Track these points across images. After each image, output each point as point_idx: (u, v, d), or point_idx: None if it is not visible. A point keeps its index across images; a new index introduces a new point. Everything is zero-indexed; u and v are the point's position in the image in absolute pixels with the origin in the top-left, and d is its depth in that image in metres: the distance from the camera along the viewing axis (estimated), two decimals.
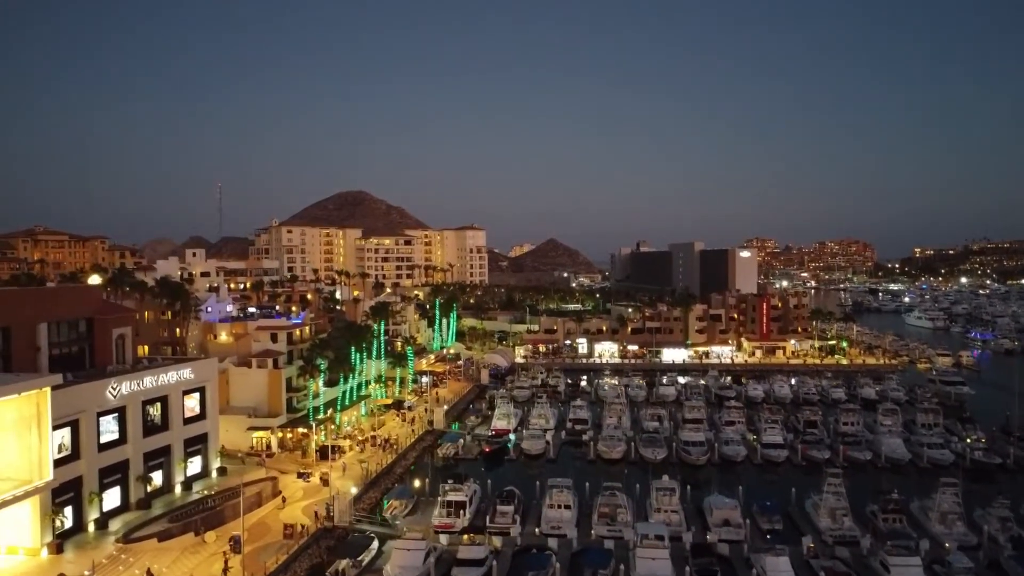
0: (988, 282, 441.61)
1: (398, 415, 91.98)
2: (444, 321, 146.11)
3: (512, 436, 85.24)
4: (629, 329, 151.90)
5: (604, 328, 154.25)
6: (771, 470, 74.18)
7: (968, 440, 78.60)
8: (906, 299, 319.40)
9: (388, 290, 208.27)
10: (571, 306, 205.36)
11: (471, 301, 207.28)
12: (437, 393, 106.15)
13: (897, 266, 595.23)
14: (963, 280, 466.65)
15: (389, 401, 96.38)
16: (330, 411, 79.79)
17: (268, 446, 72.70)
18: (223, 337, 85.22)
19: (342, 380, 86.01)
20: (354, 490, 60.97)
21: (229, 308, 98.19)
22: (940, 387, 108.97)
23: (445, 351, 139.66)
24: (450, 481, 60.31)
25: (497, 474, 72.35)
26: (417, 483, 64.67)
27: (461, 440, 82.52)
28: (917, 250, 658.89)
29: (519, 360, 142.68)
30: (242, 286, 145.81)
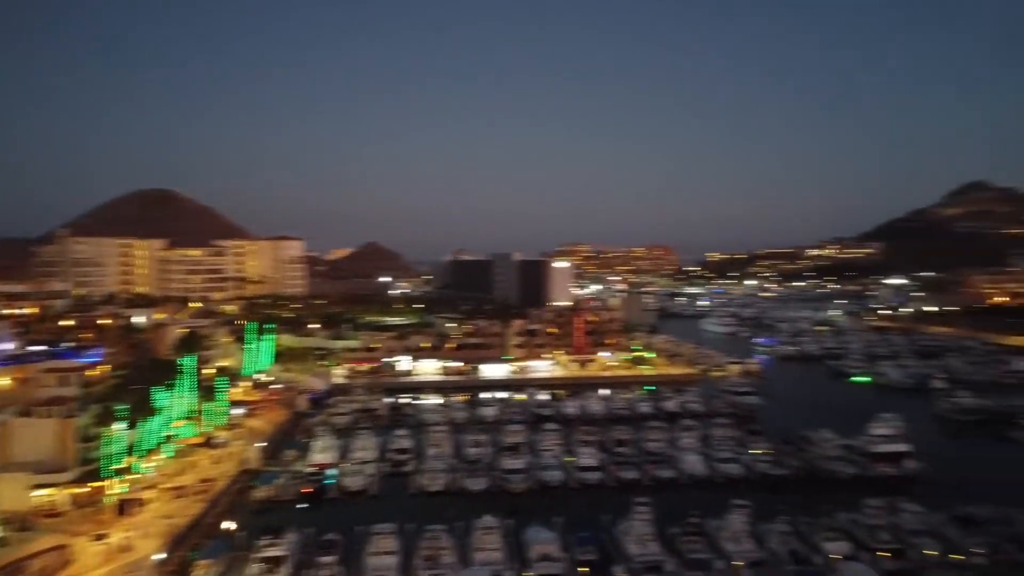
0: (769, 285, 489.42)
1: (210, 454, 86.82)
2: (260, 342, 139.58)
3: (333, 471, 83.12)
4: (450, 345, 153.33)
5: (426, 345, 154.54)
6: (586, 493, 77.74)
7: (755, 452, 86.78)
8: (703, 303, 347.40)
9: (197, 304, 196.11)
10: (393, 319, 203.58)
11: (288, 316, 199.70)
12: (252, 426, 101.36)
13: (695, 269, 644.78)
14: (750, 283, 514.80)
15: (199, 440, 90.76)
16: (129, 458, 73.76)
17: (56, 506, 65.96)
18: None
19: (143, 421, 79.73)
20: (158, 552, 56.93)
21: (7, 346, 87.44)
22: (732, 397, 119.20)
23: (261, 376, 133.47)
24: (266, 536, 57.95)
25: (319, 516, 70.35)
26: (232, 535, 61.52)
27: (279, 480, 79.34)
28: (712, 255, 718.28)
29: (339, 382, 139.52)
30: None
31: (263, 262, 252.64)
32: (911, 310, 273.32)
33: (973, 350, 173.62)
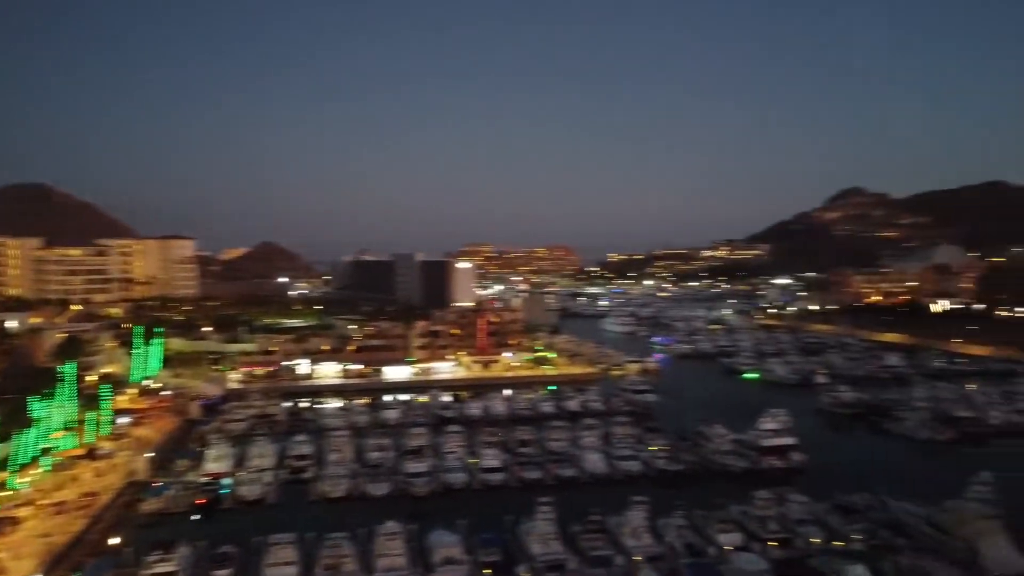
0: (666, 285, 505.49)
1: (93, 466, 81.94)
2: (147, 347, 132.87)
3: (228, 480, 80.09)
4: (351, 347, 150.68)
5: (326, 348, 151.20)
6: (490, 495, 77.96)
7: (653, 449, 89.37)
8: (603, 303, 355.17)
9: (77, 307, 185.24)
10: (291, 321, 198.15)
11: (178, 319, 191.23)
12: (139, 436, 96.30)
13: (595, 269, 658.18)
14: (648, 282, 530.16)
15: (81, 451, 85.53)
16: (2, 473, 68.83)
17: None
18: None
19: (18, 433, 74.55)
20: (35, 573, 53.32)
21: None
22: (631, 395, 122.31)
23: (149, 382, 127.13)
24: (156, 552, 55.22)
25: (213, 528, 67.60)
26: (118, 552, 58.25)
27: (169, 491, 75.73)
28: (612, 255, 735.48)
29: (234, 387, 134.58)
30: None
31: (151, 262, 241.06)
32: (796, 309, 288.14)
33: (852, 346, 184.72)
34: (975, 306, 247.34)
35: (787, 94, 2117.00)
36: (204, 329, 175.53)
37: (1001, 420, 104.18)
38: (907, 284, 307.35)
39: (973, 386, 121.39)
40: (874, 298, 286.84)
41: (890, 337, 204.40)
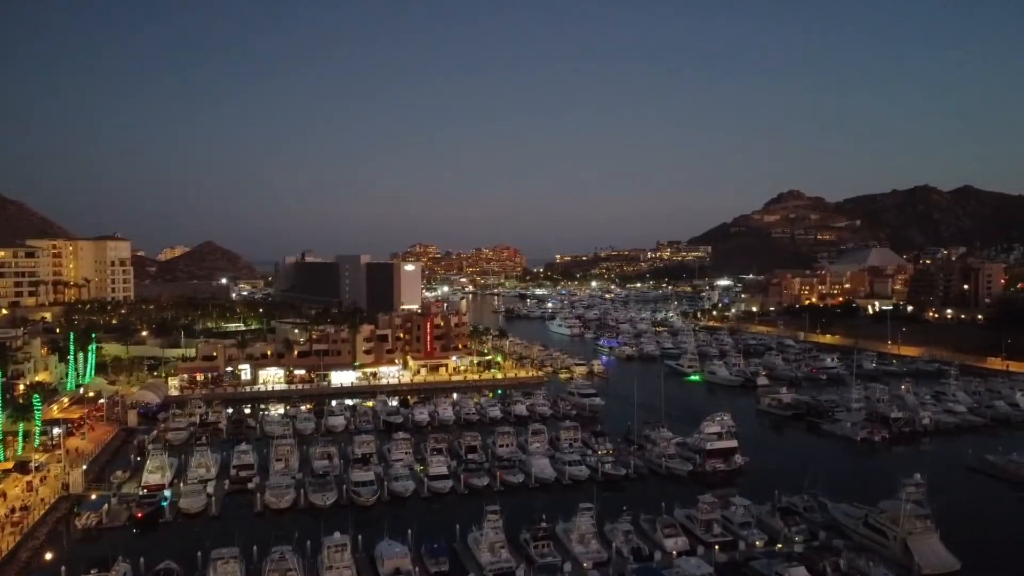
0: (612, 287, 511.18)
1: (24, 480, 78.75)
2: (81, 353, 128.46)
3: (168, 492, 77.89)
4: (296, 352, 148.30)
5: (269, 352, 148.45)
6: (438, 502, 77.69)
7: (600, 453, 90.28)
8: (549, 305, 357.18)
9: (3, 312, 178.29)
10: (233, 325, 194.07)
11: (114, 322, 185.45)
12: (76, 448, 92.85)
13: (541, 271, 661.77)
14: (593, 284, 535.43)
15: (9, 464, 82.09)
16: None
17: None
18: None
19: None
20: None
21: None
22: (578, 399, 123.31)
23: (83, 390, 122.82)
24: (92, 569, 53.40)
25: (152, 543, 65.63)
26: (51, 568, 56.17)
27: (105, 504, 73.23)
28: (558, 256, 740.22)
29: (174, 394, 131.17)
30: None
31: (84, 264, 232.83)
32: (737, 310, 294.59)
33: (791, 348, 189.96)
34: (906, 307, 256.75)
35: (727, 96, 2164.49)
36: (141, 333, 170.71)
37: (931, 420, 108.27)
38: (842, 286, 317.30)
39: (905, 387, 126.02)
40: (811, 299, 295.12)
41: (827, 338, 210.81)
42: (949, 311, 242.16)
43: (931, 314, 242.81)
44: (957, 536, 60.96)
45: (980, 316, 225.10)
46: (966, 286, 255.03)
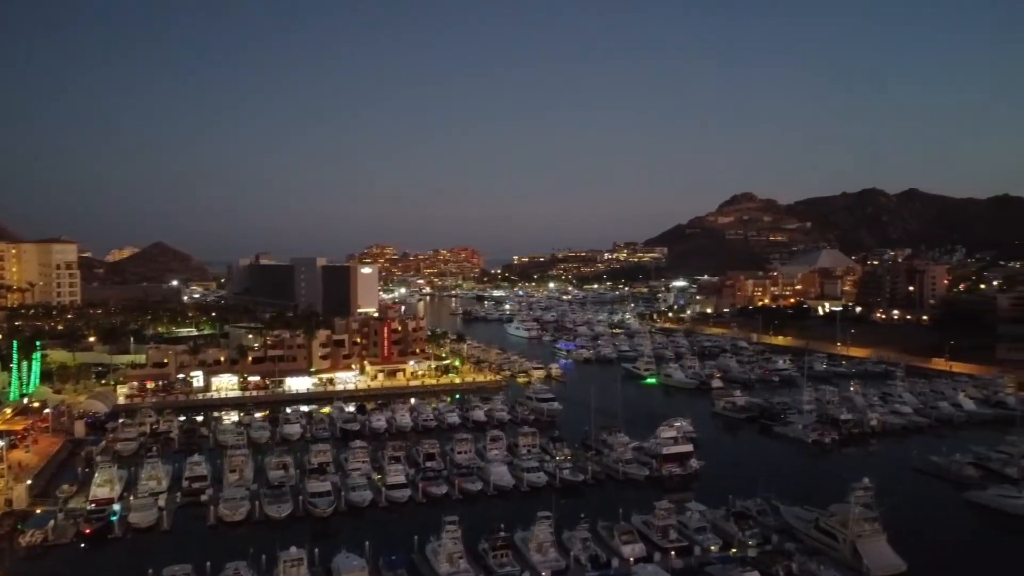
0: (570, 288, 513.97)
1: None
2: (25, 361, 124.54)
3: (117, 506, 75.86)
4: (250, 358, 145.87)
5: (223, 358, 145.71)
6: (396, 512, 77.10)
7: (557, 459, 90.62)
8: (507, 307, 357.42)
9: None
10: (184, 330, 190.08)
11: (60, 328, 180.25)
12: (18, 460, 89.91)
13: (499, 272, 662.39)
14: (551, 285, 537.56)
15: None
16: None
17: None
18: None
19: None
20: None
21: None
22: (536, 404, 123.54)
23: (27, 400, 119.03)
24: None
25: (102, 560, 64.00)
26: None
27: (51, 521, 71.00)
28: (516, 258, 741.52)
29: (123, 402, 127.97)
30: None
31: (28, 267, 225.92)
32: (692, 312, 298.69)
33: (744, 350, 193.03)
34: (855, 308, 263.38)
35: (682, 98, 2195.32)
36: (89, 339, 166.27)
37: (878, 422, 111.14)
38: (794, 287, 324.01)
39: (854, 388, 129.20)
40: (764, 301, 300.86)
41: (779, 340, 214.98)
42: (896, 312, 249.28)
43: (879, 315, 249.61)
44: (904, 538, 62.70)
45: (925, 317, 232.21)
46: (912, 287, 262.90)
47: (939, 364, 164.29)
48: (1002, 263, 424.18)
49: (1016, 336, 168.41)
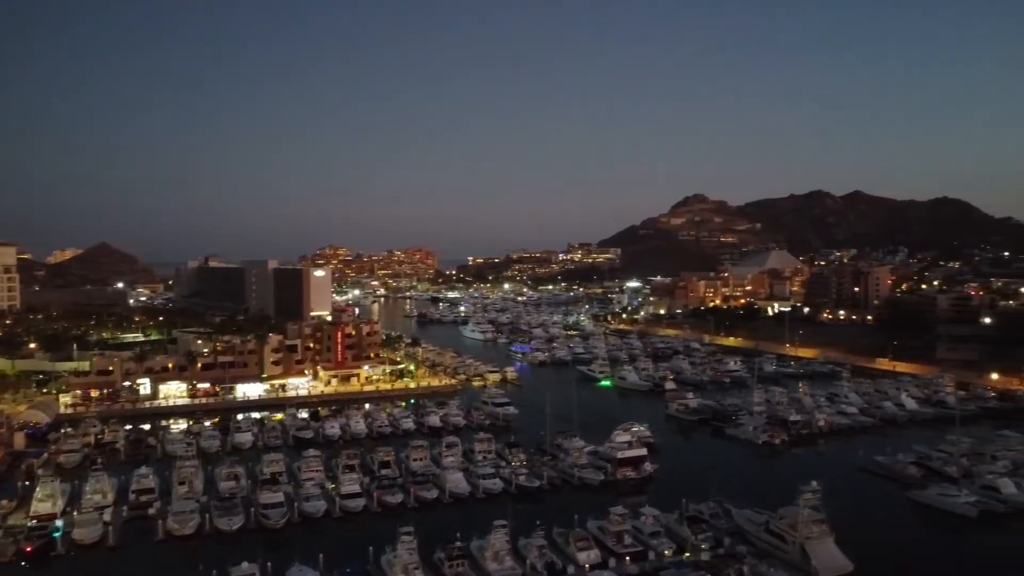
0: (525, 289, 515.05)
1: None
2: None
3: (60, 522, 73.48)
4: (199, 365, 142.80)
5: (171, 365, 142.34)
6: (351, 522, 76.19)
7: (513, 465, 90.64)
8: (462, 309, 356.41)
9: None
10: (131, 336, 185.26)
11: None
12: None
13: (454, 273, 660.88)
14: (506, 286, 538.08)
15: None
16: None
17: None
18: None
19: None
20: None
21: None
22: (491, 408, 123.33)
23: None
24: None
25: None
26: None
27: None
28: (470, 259, 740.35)
29: (65, 412, 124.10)
30: None
31: None
32: (644, 313, 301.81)
33: (697, 351, 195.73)
34: (803, 309, 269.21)
35: (635, 99, 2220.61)
36: (29, 346, 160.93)
37: (826, 422, 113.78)
38: (744, 288, 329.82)
39: (802, 389, 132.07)
40: (716, 302, 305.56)
41: (730, 341, 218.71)
42: (842, 312, 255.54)
43: (826, 315, 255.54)
44: (851, 538, 64.33)
45: (870, 317, 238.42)
46: (856, 288, 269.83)
47: (883, 364, 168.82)
48: (942, 263, 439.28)
49: (955, 336, 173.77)
